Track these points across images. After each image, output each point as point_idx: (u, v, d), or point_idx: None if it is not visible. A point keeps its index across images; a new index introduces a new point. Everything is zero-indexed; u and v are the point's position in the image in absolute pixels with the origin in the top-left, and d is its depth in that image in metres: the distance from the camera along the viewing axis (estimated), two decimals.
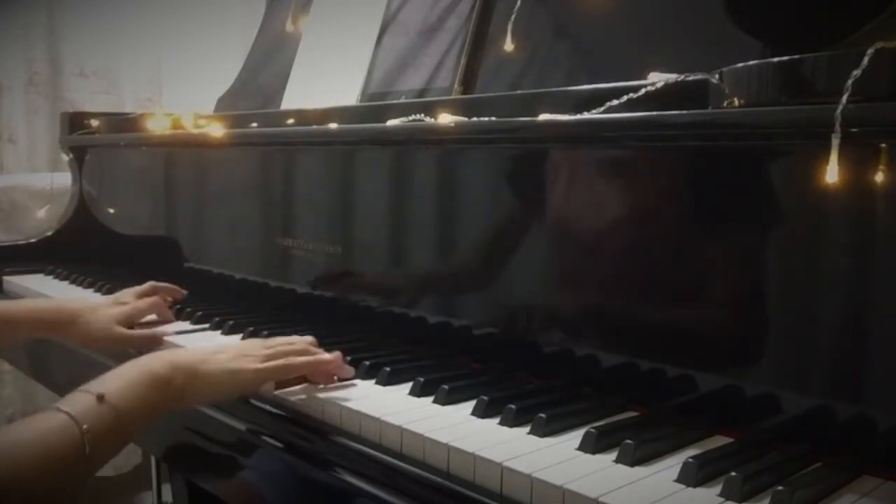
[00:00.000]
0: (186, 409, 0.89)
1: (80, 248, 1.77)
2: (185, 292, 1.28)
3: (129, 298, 1.20)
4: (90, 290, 1.51)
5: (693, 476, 0.65)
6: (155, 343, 1.13)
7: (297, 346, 0.93)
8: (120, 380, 0.78)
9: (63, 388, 1.48)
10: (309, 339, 0.96)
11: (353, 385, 0.92)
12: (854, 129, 0.64)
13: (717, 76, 0.77)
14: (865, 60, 0.63)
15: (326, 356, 0.93)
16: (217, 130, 1.38)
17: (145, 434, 0.85)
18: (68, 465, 0.71)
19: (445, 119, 0.98)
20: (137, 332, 1.16)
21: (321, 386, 0.91)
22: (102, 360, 1.18)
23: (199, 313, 1.23)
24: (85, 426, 0.72)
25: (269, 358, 0.90)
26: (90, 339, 1.14)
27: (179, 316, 1.26)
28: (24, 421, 0.73)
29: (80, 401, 0.75)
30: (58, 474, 0.71)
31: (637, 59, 0.94)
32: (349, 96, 1.38)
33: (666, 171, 0.83)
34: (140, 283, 1.25)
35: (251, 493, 0.92)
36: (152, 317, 1.22)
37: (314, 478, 0.82)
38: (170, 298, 1.26)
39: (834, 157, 0.64)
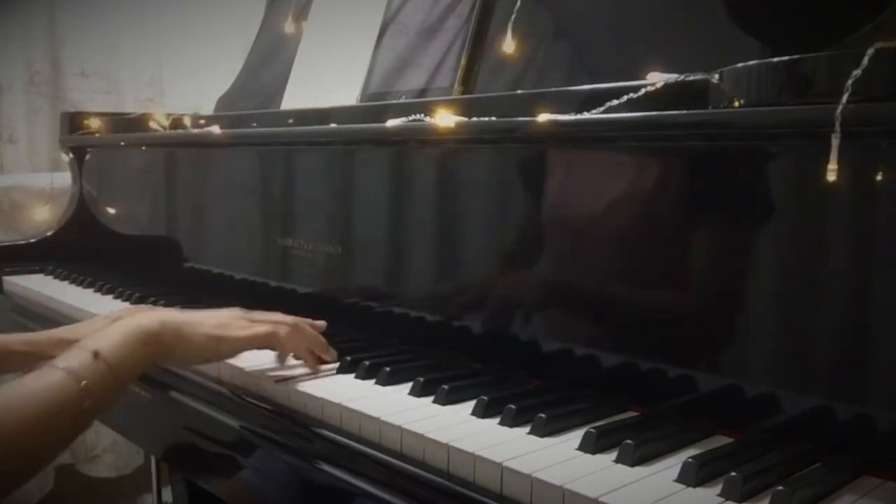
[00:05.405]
0: (173, 364, 0.95)
1: (80, 248, 1.77)
2: None
3: None
4: (90, 290, 1.51)
5: (693, 476, 0.65)
6: None
7: (281, 319, 0.97)
8: (113, 336, 0.83)
9: None
10: (294, 318, 0.98)
11: (353, 384, 0.92)
12: (854, 129, 0.64)
13: (717, 76, 0.77)
14: (865, 60, 0.63)
15: (308, 329, 0.98)
16: (217, 130, 1.38)
17: (141, 432, 0.88)
18: (67, 419, 0.75)
19: (445, 119, 0.98)
20: None
21: (305, 372, 0.95)
22: None
23: None
24: (84, 382, 0.76)
25: (253, 327, 0.95)
26: None
27: None
28: (23, 378, 0.76)
29: (76, 357, 0.78)
30: (57, 427, 0.74)
31: (637, 59, 0.94)
32: (349, 96, 1.37)
33: (666, 172, 0.83)
34: (140, 283, 1.23)
35: (251, 493, 0.92)
36: None
37: (314, 478, 0.82)
38: None
39: (834, 157, 0.64)
